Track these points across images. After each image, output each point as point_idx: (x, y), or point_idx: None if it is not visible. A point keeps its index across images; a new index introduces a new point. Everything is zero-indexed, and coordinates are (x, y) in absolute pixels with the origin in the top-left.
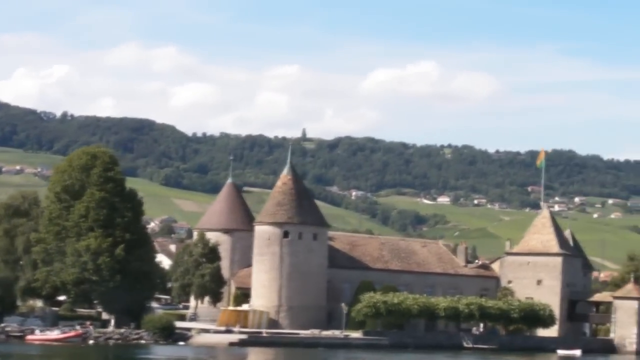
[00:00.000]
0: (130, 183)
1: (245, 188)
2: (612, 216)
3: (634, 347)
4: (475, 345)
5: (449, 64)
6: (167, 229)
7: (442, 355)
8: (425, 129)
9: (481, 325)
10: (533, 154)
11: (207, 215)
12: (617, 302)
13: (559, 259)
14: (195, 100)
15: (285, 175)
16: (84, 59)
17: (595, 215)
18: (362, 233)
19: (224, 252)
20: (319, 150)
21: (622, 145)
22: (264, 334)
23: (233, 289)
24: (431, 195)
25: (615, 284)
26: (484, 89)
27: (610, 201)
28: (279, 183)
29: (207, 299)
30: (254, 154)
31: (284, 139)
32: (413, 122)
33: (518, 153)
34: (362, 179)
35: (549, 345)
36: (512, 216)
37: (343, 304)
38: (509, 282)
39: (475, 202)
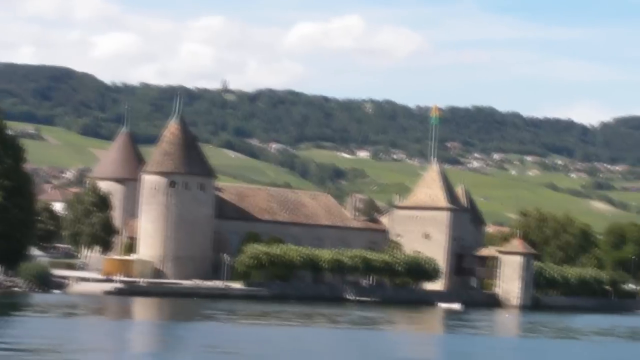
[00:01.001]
0: (47, 132)
1: None
2: (530, 173)
3: (517, 301)
4: (358, 298)
5: (373, 18)
6: (83, 179)
7: (322, 307)
8: (347, 84)
9: (368, 278)
10: (454, 110)
11: (101, 165)
12: (502, 257)
13: (446, 213)
14: (116, 49)
15: (173, 124)
16: (3, 6)
17: (513, 172)
18: (281, 186)
19: (117, 201)
20: (239, 102)
21: (542, 103)
22: (141, 283)
23: (126, 238)
24: (351, 150)
25: (505, 239)
26: (408, 44)
27: (529, 158)
28: (166, 132)
29: (97, 248)
30: (174, 105)
31: (205, 90)
32: (335, 76)
33: (439, 109)
34: (282, 132)
35: (433, 299)
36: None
37: (225, 255)
38: (398, 235)
39: (395, 157)
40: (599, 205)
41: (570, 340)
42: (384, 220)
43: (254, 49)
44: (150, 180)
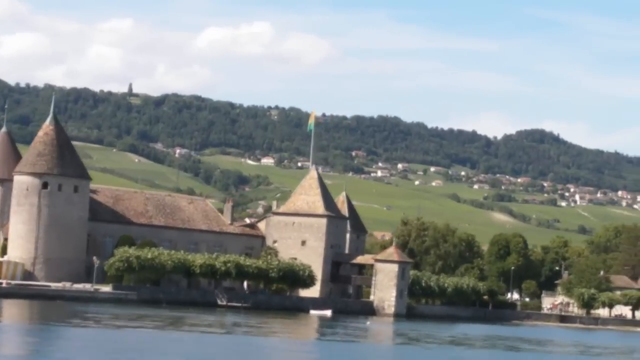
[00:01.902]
0: None
1: None
2: (433, 184)
3: (392, 310)
4: (229, 303)
5: (283, 25)
6: None
7: (192, 312)
8: (255, 90)
9: (243, 283)
10: (359, 119)
11: None
12: (378, 265)
13: (324, 220)
14: (23, 50)
15: (47, 125)
16: None
17: (417, 182)
18: (184, 192)
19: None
20: (145, 106)
21: (447, 114)
22: (4, 285)
23: (1, 240)
24: (255, 156)
25: (384, 247)
26: (316, 52)
27: (432, 169)
28: (40, 133)
29: None
30: (78, 108)
31: (109, 93)
32: (243, 82)
33: (344, 117)
34: (187, 137)
35: (307, 306)
36: (334, 180)
37: (95, 258)
38: (274, 241)
39: (299, 164)
40: (500, 217)
41: (427, 347)
42: (262, 226)
43: (163, 52)
44: (22, 181)
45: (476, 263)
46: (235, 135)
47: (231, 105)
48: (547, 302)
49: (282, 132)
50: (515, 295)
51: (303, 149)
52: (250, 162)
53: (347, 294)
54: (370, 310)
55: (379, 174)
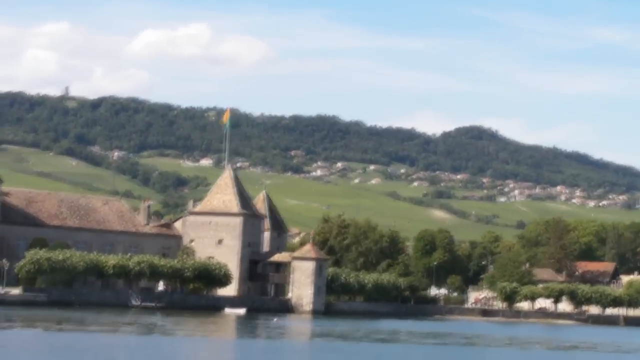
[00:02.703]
0: None
1: (3, 145)
2: (373, 182)
3: (310, 307)
4: (143, 304)
5: (220, 26)
6: None
7: (105, 313)
8: (192, 91)
9: (158, 284)
10: (297, 119)
11: None
12: (295, 263)
13: (239, 219)
14: None
15: None
16: None
17: (356, 181)
18: (122, 194)
19: None
20: (81, 109)
21: (384, 112)
22: None
23: None
24: (194, 157)
25: (302, 244)
26: (253, 52)
27: (371, 167)
28: None
29: None
30: (14, 111)
31: (45, 96)
32: (181, 84)
33: (282, 117)
34: (125, 140)
35: (222, 305)
36: (273, 180)
37: (4, 260)
38: (191, 241)
39: (238, 164)
40: (439, 214)
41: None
42: (178, 226)
43: (99, 56)
44: None
45: (401, 259)
46: (173, 137)
47: (169, 107)
48: (473, 297)
49: (220, 133)
50: (443, 291)
51: (242, 150)
52: (189, 163)
53: (266, 292)
54: (288, 308)
55: (318, 172)
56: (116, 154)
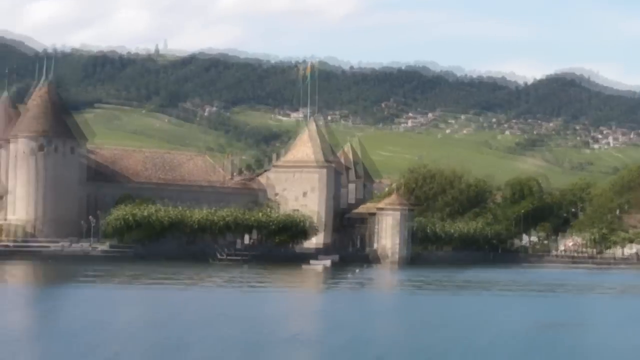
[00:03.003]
0: None
1: (97, 104)
2: (464, 132)
3: (395, 257)
4: (228, 257)
5: None
6: None
7: (191, 267)
8: (283, 46)
9: (243, 237)
10: (387, 70)
11: None
12: (380, 213)
13: (324, 171)
14: (51, 15)
15: (42, 87)
16: None
17: (447, 131)
18: (214, 150)
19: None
20: (172, 66)
21: (475, 61)
22: None
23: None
24: (285, 112)
25: (389, 195)
26: (343, 5)
27: (463, 117)
28: (34, 95)
29: None
30: (107, 70)
31: (137, 54)
32: (271, 38)
33: (373, 69)
34: (216, 95)
35: (308, 257)
36: (364, 132)
37: (91, 217)
38: (276, 194)
39: (330, 118)
40: (533, 162)
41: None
42: (263, 179)
43: (190, 12)
44: (19, 144)
45: (489, 208)
46: (264, 92)
47: (259, 62)
48: (562, 245)
49: (311, 87)
50: (532, 239)
51: (333, 103)
52: (280, 117)
53: (352, 243)
54: (373, 259)
55: (409, 124)
56: (208, 109)
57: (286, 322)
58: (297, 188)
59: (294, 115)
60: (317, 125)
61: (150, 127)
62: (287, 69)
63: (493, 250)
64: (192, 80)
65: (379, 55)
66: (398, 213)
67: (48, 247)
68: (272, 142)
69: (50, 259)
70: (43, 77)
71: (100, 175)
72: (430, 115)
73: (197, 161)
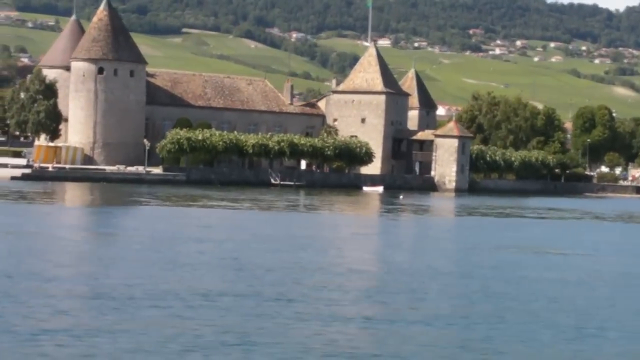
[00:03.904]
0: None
1: (185, 29)
2: (553, 60)
3: (452, 185)
4: (283, 182)
5: None
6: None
7: (246, 191)
8: None
9: (299, 162)
10: None
11: (50, 53)
12: (438, 140)
13: (382, 97)
14: None
15: (101, 10)
16: None
17: (536, 59)
18: (300, 76)
19: (66, 89)
20: None
21: None
22: (50, 169)
23: None
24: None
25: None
26: None
27: (552, 45)
28: (95, 19)
29: (43, 135)
30: None
31: None
32: None
33: None
34: (303, 21)
35: (362, 183)
36: (452, 59)
37: (146, 140)
38: (334, 120)
39: (416, 44)
40: (622, 91)
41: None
42: (322, 105)
43: None
44: (78, 67)
45: (557, 136)
46: (351, 18)
47: None
48: (630, 175)
49: (398, 12)
50: (603, 169)
51: (419, 29)
52: (366, 43)
53: (411, 170)
54: (431, 186)
55: (497, 51)
56: (294, 35)
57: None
58: (356, 114)
59: (380, 42)
60: (377, 51)
61: (238, 52)
62: None
63: (556, 180)
64: (279, 6)
65: None
66: (455, 140)
67: (104, 169)
68: None
69: (103, 181)
70: (103, 1)
71: (159, 99)
72: (518, 42)
73: (256, 86)
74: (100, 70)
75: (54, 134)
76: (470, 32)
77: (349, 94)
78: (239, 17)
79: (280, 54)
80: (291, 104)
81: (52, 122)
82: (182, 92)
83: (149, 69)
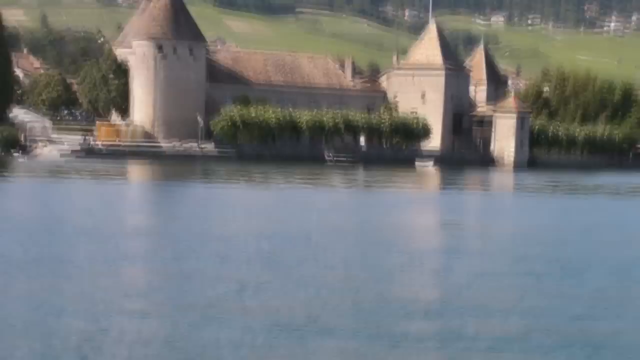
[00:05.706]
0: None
1: (299, 9)
2: None
3: (511, 160)
4: (337, 158)
5: None
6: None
7: (301, 167)
8: None
9: (356, 138)
10: None
11: (125, 32)
12: (497, 116)
13: (442, 73)
14: None
15: None
16: None
17: None
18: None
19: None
20: None
21: None
22: (100, 146)
23: None
24: (485, 15)
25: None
26: None
27: None
28: None
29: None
30: None
31: None
32: None
33: None
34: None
35: (416, 158)
36: (566, 36)
37: (199, 117)
38: (395, 96)
39: (529, 22)
40: None
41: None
42: (383, 81)
43: None
44: (139, 46)
45: (634, 111)
46: None
47: None
48: None
49: None
50: None
51: (533, 5)
52: (479, 21)
53: (472, 146)
54: (490, 161)
55: (612, 27)
56: (407, 13)
57: None
58: (416, 90)
59: (493, 19)
60: (437, 27)
61: (351, 31)
62: None
63: (623, 156)
64: None
65: None
66: (514, 115)
67: (160, 146)
68: (470, 46)
69: (153, 157)
70: None
71: (220, 76)
72: (634, 18)
73: (317, 62)
74: (160, 49)
75: (125, 113)
76: (585, 7)
77: (409, 69)
78: None
79: (392, 32)
80: (352, 80)
81: (123, 101)
82: (243, 69)
83: (209, 47)
